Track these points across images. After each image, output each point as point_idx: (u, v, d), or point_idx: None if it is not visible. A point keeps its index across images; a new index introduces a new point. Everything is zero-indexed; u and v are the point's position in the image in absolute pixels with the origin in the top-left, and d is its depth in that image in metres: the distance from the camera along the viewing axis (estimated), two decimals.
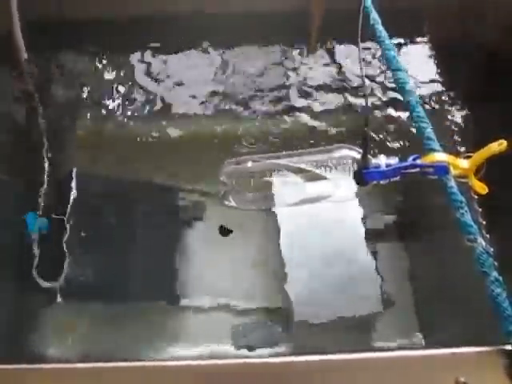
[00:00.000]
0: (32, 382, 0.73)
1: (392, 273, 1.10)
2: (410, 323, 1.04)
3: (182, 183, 1.21)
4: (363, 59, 1.27)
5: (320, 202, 1.16)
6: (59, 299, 1.06)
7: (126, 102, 1.34)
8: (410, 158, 0.90)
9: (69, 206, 1.17)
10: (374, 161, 0.94)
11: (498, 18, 1.33)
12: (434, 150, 0.84)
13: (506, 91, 1.24)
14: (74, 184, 1.20)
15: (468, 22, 1.35)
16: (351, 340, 1.03)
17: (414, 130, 0.88)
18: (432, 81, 1.35)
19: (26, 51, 1.30)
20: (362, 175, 0.95)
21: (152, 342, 1.02)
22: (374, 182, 0.99)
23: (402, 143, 1.24)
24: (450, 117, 1.29)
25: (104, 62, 1.40)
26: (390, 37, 0.95)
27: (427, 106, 1.29)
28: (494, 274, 0.73)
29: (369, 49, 1.35)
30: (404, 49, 1.39)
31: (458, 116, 1.29)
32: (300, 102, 1.32)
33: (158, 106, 1.33)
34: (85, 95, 1.35)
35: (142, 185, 1.21)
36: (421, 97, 1.28)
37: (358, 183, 1.01)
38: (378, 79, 1.35)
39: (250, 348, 1.01)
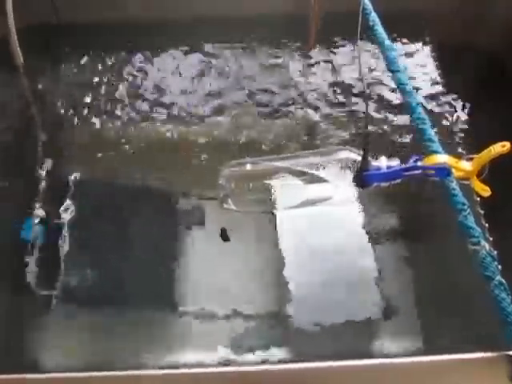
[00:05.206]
0: None
1: (394, 276, 1.09)
2: (411, 328, 1.03)
3: (180, 187, 1.20)
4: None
5: (320, 205, 1.15)
6: (55, 307, 1.05)
7: (125, 106, 1.33)
8: (412, 160, 0.89)
9: (66, 212, 1.16)
10: (374, 163, 0.93)
11: (498, 19, 1.33)
12: (435, 152, 0.83)
13: (508, 93, 1.24)
14: (71, 190, 1.19)
15: (469, 24, 1.34)
16: (352, 345, 1.02)
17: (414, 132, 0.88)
18: (433, 82, 1.34)
19: (22, 55, 1.29)
20: (363, 177, 0.94)
21: (151, 349, 1.01)
22: (375, 185, 0.98)
23: (402, 145, 1.24)
24: (451, 118, 1.28)
25: (102, 65, 1.39)
26: (390, 38, 0.94)
27: (428, 108, 1.28)
28: (498, 277, 0.72)
29: (368, 50, 1.34)
30: (404, 50, 1.38)
31: (459, 117, 1.28)
32: (299, 104, 1.32)
33: (157, 109, 1.32)
34: (83, 99, 1.34)
35: (140, 190, 1.20)
36: (421, 98, 1.28)
37: (358, 186, 1.00)
38: (377, 80, 1.34)
39: (251, 354, 1.00)
